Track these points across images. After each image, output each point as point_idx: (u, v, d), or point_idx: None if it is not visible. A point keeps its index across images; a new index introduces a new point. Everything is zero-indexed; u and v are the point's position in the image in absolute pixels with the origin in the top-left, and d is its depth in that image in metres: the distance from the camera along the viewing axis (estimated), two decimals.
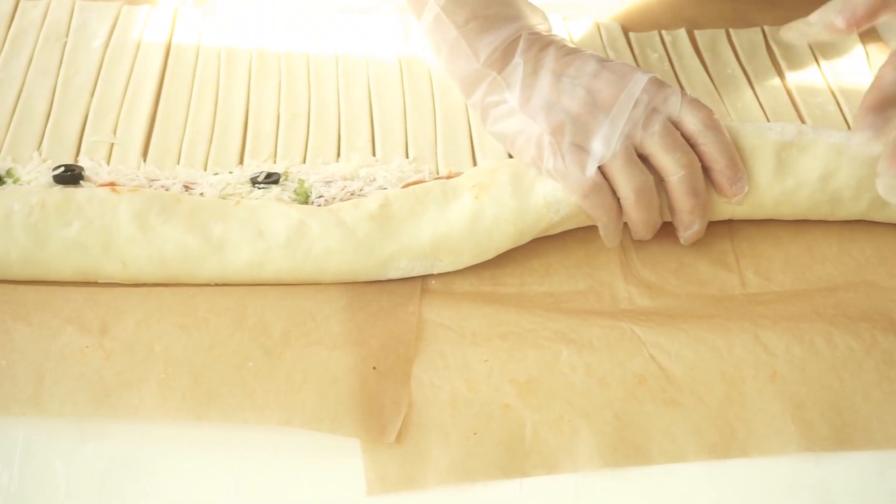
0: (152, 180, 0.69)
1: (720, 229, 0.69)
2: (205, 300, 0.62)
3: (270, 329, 0.60)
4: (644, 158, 0.64)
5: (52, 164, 0.70)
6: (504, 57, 0.66)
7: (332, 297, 0.63)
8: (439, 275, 0.66)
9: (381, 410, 0.57)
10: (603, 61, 0.65)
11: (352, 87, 0.80)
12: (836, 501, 0.55)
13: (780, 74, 0.83)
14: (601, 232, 0.66)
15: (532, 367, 0.59)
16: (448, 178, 0.68)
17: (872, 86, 0.62)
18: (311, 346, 0.59)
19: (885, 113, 0.61)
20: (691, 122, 0.64)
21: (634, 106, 0.63)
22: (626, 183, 0.63)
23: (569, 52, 0.66)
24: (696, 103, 0.65)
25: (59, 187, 0.66)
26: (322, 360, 0.59)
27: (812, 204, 0.67)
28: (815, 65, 0.84)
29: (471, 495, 0.55)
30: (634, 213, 0.65)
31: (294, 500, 0.55)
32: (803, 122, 0.78)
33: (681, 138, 0.64)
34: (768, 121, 0.79)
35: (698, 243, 0.68)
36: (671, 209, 0.66)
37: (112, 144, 0.74)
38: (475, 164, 0.73)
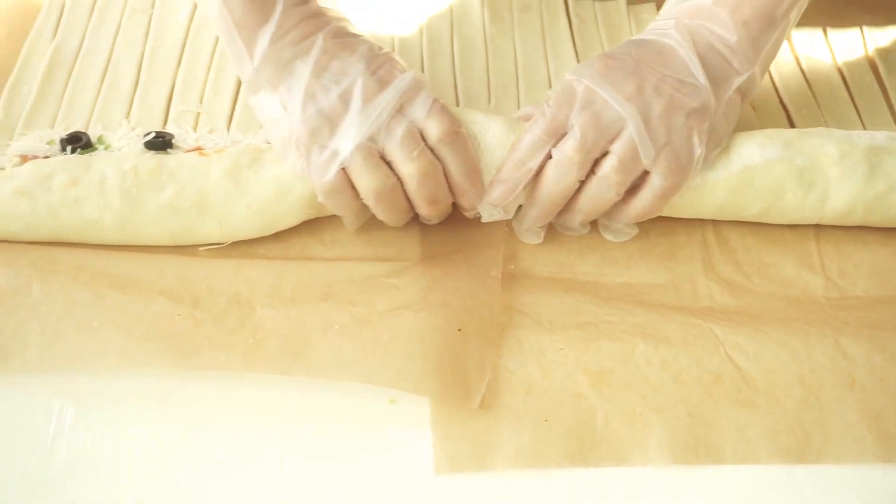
0: (236, 142, 0.71)
1: (806, 230, 0.68)
2: (290, 280, 0.63)
3: (355, 298, 0.61)
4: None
5: (141, 131, 0.72)
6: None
7: (414, 277, 0.63)
8: (517, 261, 0.66)
9: (466, 374, 0.57)
10: (370, 59, 0.63)
11: (436, 55, 0.81)
12: None
13: (878, 77, 0.81)
14: (343, 221, 0.66)
15: (607, 358, 0.59)
16: None
17: (512, 149, 0.64)
18: (397, 310, 0.60)
19: (516, 176, 0.63)
20: (433, 133, 0.62)
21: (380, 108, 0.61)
22: (365, 185, 0.62)
23: (337, 45, 0.63)
24: (441, 113, 0.62)
25: (149, 153, 0.68)
26: (407, 321, 0.59)
27: None
28: None
29: (539, 483, 0.55)
30: (378, 212, 0.64)
31: (362, 473, 0.56)
32: None
33: (421, 145, 0.62)
34: (862, 123, 0.77)
35: (783, 244, 0.68)
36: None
37: (199, 114, 0.75)
38: None
